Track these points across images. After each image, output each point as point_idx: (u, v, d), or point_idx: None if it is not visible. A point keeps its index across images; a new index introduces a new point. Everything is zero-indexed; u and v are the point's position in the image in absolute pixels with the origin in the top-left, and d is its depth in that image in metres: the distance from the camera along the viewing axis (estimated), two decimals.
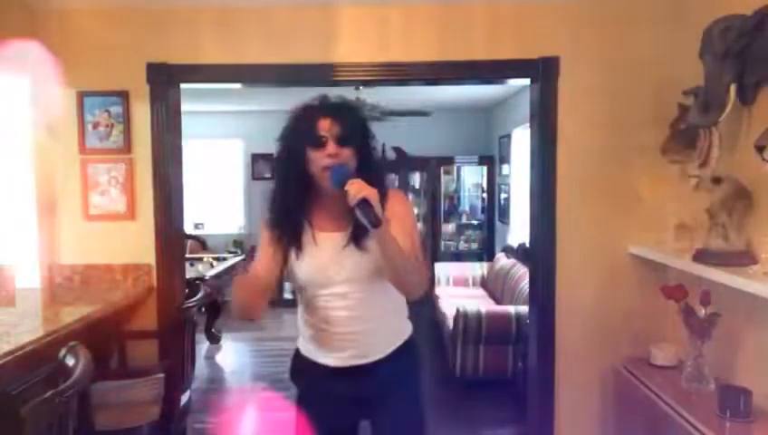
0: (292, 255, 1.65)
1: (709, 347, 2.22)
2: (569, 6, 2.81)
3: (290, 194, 1.64)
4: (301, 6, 2.84)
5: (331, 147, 1.55)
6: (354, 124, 1.61)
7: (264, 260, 1.66)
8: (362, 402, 1.72)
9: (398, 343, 1.74)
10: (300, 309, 1.76)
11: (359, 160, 1.59)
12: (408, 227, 1.64)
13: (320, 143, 1.56)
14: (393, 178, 7.11)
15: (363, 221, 1.45)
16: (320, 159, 1.55)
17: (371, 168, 1.61)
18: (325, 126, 1.57)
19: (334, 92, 1.69)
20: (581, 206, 2.87)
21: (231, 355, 5.47)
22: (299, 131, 1.61)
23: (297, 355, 1.81)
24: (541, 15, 2.82)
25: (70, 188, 2.97)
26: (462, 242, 7.46)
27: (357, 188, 1.45)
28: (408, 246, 1.55)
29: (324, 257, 1.63)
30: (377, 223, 1.43)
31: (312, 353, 1.74)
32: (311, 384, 1.79)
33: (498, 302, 5.13)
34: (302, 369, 1.78)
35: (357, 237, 1.60)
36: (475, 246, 7.42)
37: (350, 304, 1.64)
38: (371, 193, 1.45)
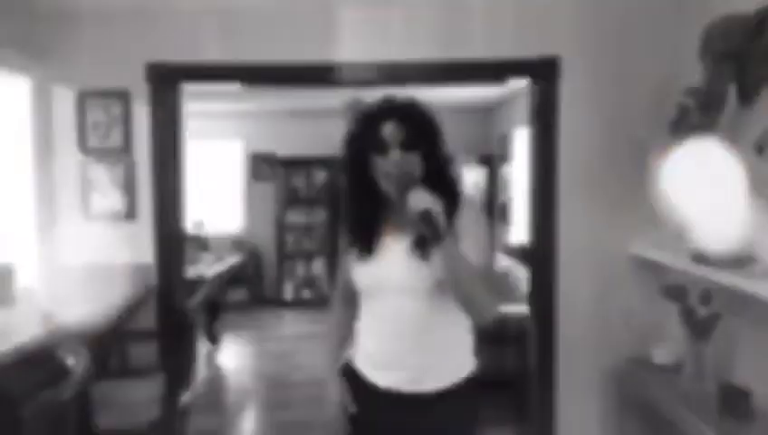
0: (356, 257, 1.58)
1: (709, 347, 2.22)
2: (569, 6, 2.81)
3: (359, 203, 1.57)
4: (301, 6, 2.84)
5: (395, 153, 1.46)
6: (421, 128, 1.51)
7: (342, 316, 1.73)
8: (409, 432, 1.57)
9: (460, 376, 1.58)
10: (359, 316, 1.67)
11: (426, 166, 1.49)
12: (479, 243, 1.51)
13: (383, 149, 1.47)
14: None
15: (424, 233, 1.37)
16: (384, 166, 1.47)
17: (440, 175, 1.52)
18: (389, 130, 1.47)
19: (402, 93, 1.58)
20: (581, 206, 2.87)
21: (231, 355, 5.46)
22: (362, 136, 1.52)
23: (348, 368, 1.70)
24: (541, 15, 2.82)
25: (70, 188, 2.97)
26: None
27: (418, 199, 1.36)
28: (476, 264, 1.43)
29: (384, 262, 1.54)
30: (437, 237, 1.35)
31: (364, 368, 1.63)
32: (361, 402, 1.65)
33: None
34: (355, 382, 1.66)
35: (420, 245, 1.48)
36: None
37: (406, 317, 1.52)
38: (434, 205, 1.35)
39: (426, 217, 1.34)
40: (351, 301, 1.69)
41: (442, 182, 1.50)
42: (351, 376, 1.66)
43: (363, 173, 1.52)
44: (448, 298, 1.48)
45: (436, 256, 1.43)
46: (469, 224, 1.51)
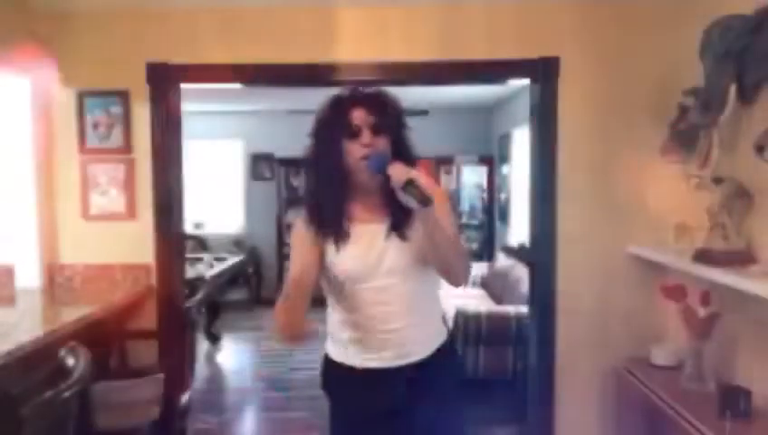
0: (331, 249, 1.59)
1: (709, 347, 2.22)
2: (569, 6, 2.81)
3: (327, 188, 1.58)
4: (301, 6, 2.84)
5: (367, 136, 1.53)
6: (389, 113, 1.59)
7: (301, 260, 1.58)
8: (402, 414, 1.62)
9: (440, 342, 1.68)
10: (332, 311, 1.69)
11: (393, 149, 1.56)
12: (448, 209, 1.62)
13: (354, 133, 1.53)
14: None
15: (410, 202, 1.42)
16: (356, 150, 1.53)
17: (407, 156, 1.58)
18: (359, 116, 1.54)
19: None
20: (581, 206, 2.87)
21: (231, 355, 5.47)
22: (332, 123, 1.57)
23: (329, 362, 1.72)
24: (541, 15, 2.82)
25: (70, 188, 2.97)
26: (462, 242, 7.45)
27: (400, 170, 1.43)
28: (450, 228, 1.53)
29: (365, 249, 1.57)
30: (427, 201, 1.40)
31: (350, 358, 1.65)
32: (347, 392, 1.68)
33: (498, 302, 5.13)
34: (337, 377, 1.69)
35: (397, 227, 1.57)
36: (474, 246, 7.42)
37: (391, 299, 1.58)
38: (416, 173, 1.43)
39: (412, 184, 1.41)
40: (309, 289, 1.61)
41: (409, 162, 1.55)
42: (334, 370, 1.69)
43: (334, 160, 1.55)
44: (426, 273, 1.59)
45: (413, 235, 1.54)
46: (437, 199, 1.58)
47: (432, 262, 1.55)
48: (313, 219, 1.61)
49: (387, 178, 1.46)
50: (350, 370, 1.65)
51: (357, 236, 1.58)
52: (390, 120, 1.58)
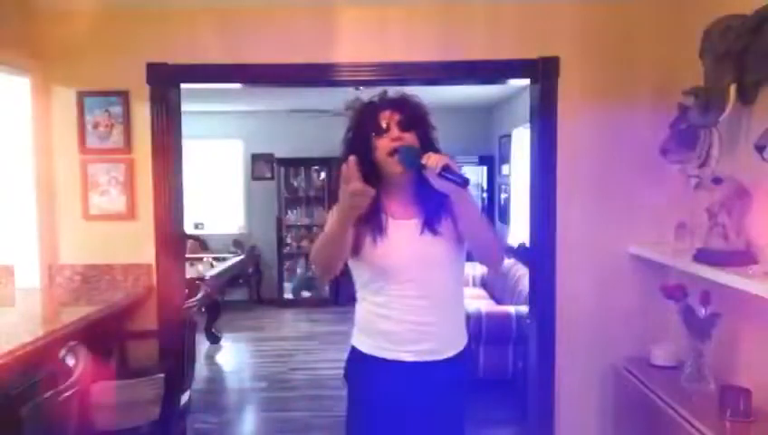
0: (367, 242, 1.65)
1: (709, 347, 2.22)
2: (569, 6, 2.81)
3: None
4: (301, 6, 2.84)
5: (395, 131, 1.62)
6: (414, 112, 1.68)
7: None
8: (424, 411, 1.68)
9: (464, 343, 1.77)
10: (365, 304, 1.74)
11: (421, 144, 1.64)
12: (477, 206, 1.71)
13: (383, 130, 1.63)
14: None
15: (447, 187, 1.49)
16: (385, 145, 1.62)
17: (434, 150, 1.63)
18: (387, 115, 1.65)
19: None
20: (581, 206, 2.87)
21: (231, 355, 5.47)
22: (362, 124, 1.68)
23: (357, 353, 1.76)
24: (541, 15, 2.82)
25: (70, 188, 2.97)
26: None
27: (435, 157, 1.50)
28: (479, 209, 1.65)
29: (400, 244, 1.65)
30: (466, 182, 1.49)
31: (383, 350, 1.69)
32: (374, 382, 1.72)
33: (498, 302, 5.13)
34: (367, 369, 1.73)
35: (430, 222, 1.64)
36: None
37: (426, 293, 1.65)
38: (446, 159, 1.50)
39: (447, 169, 1.48)
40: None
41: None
42: (363, 362, 1.73)
43: (366, 160, 1.60)
44: (458, 269, 1.71)
45: (444, 228, 1.63)
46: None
47: (472, 242, 1.65)
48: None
49: (418, 172, 1.54)
50: (383, 362, 1.68)
51: (393, 231, 1.66)
52: (417, 118, 1.68)
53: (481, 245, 1.67)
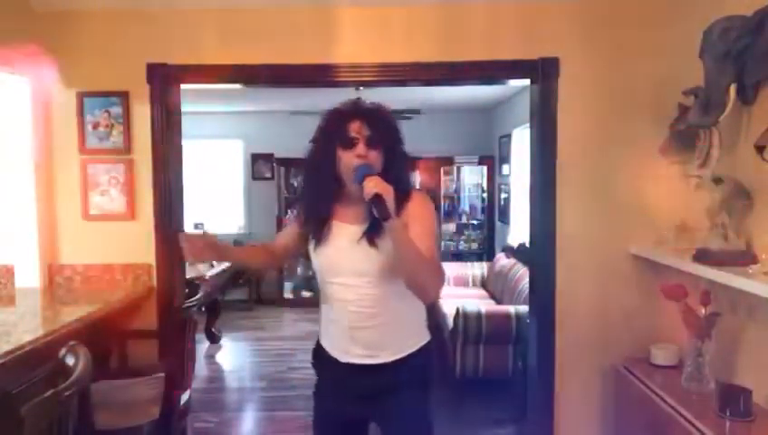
0: (312, 244, 1.74)
1: (709, 347, 2.22)
2: (569, 6, 2.81)
3: (318, 190, 1.73)
4: (301, 6, 2.84)
5: (361, 148, 1.63)
6: (385, 128, 1.68)
7: (284, 235, 1.97)
8: (370, 401, 1.74)
9: (411, 350, 1.75)
10: (321, 301, 1.82)
11: (385, 161, 1.66)
12: (426, 228, 1.65)
13: (350, 144, 1.64)
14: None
15: (376, 214, 1.51)
16: (349, 159, 1.63)
17: (396, 169, 1.66)
18: (356, 128, 1.64)
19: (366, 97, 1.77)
20: (581, 206, 2.87)
21: (231, 355, 5.47)
22: (331, 132, 1.68)
23: (318, 344, 1.86)
24: (541, 15, 2.82)
25: (70, 188, 2.97)
26: (462, 242, 7.45)
27: (373, 184, 1.50)
28: (423, 248, 1.56)
29: (336, 246, 1.70)
30: (386, 216, 1.48)
31: (328, 346, 1.80)
32: (325, 375, 1.85)
33: (498, 302, 5.13)
34: (320, 359, 1.84)
35: (370, 233, 1.64)
36: (475, 245, 7.42)
37: (359, 299, 1.68)
38: (386, 190, 1.50)
39: (378, 199, 1.49)
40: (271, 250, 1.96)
41: (396, 176, 1.61)
42: (319, 352, 1.84)
43: (328, 165, 1.67)
44: (396, 284, 1.63)
45: (385, 243, 1.59)
46: (417, 211, 1.67)
47: (398, 273, 1.60)
48: (301, 216, 1.82)
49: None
50: (329, 356, 1.78)
51: (334, 234, 1.71)
52: (386, 136, 1.67)
53: (405, 279, 1.58)
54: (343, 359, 1.74)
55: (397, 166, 1.68)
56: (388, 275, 1.64)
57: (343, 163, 1.64)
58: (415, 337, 1.79)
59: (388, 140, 1.67)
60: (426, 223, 1.66)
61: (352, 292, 1.68)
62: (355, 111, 1.68)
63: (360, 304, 1.68)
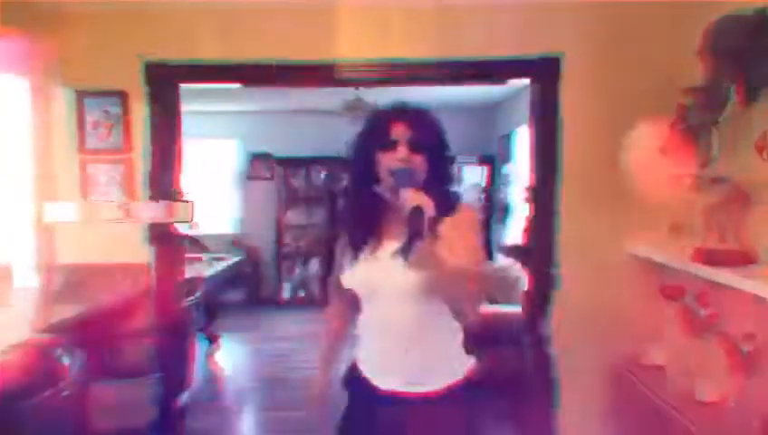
0: (350, 261, 1.61)
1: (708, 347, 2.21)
2: (569, 6, 2.80)
3: (361, 199, 1.59)
4: (300, 6, 2.83)
5: (402, 150, 1.50)
6: (428, 131, 1.56)
7: (339, 297, 1.73)
8: None
9: (456, 377, 1.60)
10: (360, 320, 1.68)
11: (429, 171, 1.52)
12: (467, 243, 1.46)
13: (390, 146, 1.51)
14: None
15: (409, 229, 1.37)
16: (389, 162, 1.50)
17: (441, 179, 1.55)
18: (398, 130, 1.52)
19: (411, 99, 1.61)
20: (581, 206, 2.86)
21: (229, 355, 5.46)
22: (371, 134, 1.57)
23: (353, 365, 1.69)
24: (541, 15, 2.81)
25: (69, 188, 2.96)
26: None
27: (412, 197, 1.37)
28: (460, 263, 1.41)
29: (376, 265, 1.56)
30: (420, 235, 1.34)
31: (366, 371, 1.64)
32: (358, 403, 1.67)
33: (497, 302, 5.12)
34: (353, 382, 1.67)
35: (407, 250, 1.42)
36: None
37: (396, 320, 1.54)
38: (426, 203, 1.35)
39: (416, 213, 1.35)
40: (346, 297, 1.69)
41: (441, 186, 1.52)
42: (355, 377, 1.66)
43: (369, 172, 1.54)
44: (436, 304, 1.50)
45: (421, 260, 1.41)
46: (461, 226, 1.48)
47: (433, 293, 1.48)
48: (349, 234, 1.64)
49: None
50: (367, 380, 1.62)
51: (373, 250, 1.57)
52: (430, 140, 1.54)
53: (441, 300, 1.49)
54: (383, 386, 1.57)
55: (441, 176, 1.55)
56: (426, 291, 1.49)
57: (382, 167, 1.51)
58: (456, 364, 1.62)
59: (433, 145, 1.54)
60: (469, 241, 1.48)
61: (388, 314, 1.54)
62: (398, 111, 1.56)
63: (398, 325, 1.54)
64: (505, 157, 6.62)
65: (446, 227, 1.42)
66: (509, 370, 4.02)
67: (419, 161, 1.51)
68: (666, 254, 2.53)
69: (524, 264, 4.39)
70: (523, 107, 3.57)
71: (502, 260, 5.61)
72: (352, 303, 1.67)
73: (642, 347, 2.69)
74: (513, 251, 5.44)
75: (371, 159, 1.53)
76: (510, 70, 2.91)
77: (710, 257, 2.13)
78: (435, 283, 1.44)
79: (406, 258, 1.41)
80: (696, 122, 2.25)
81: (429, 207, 1.35)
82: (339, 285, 1.67)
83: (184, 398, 2.81)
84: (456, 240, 1.42)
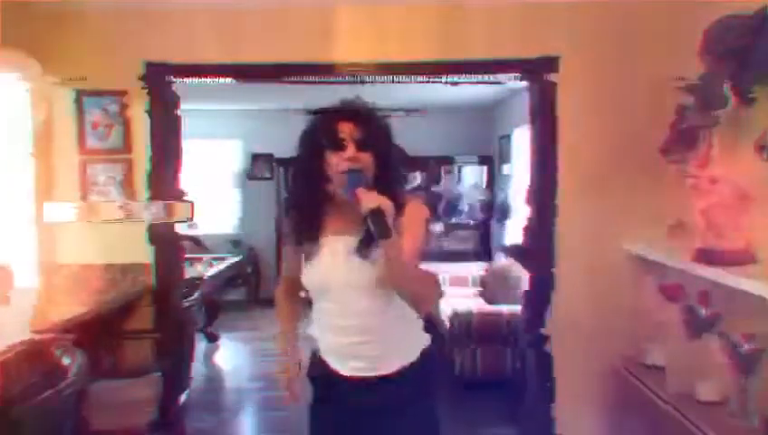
0: (303, 257, 1.64)
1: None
2: (569, 6, 2.80)
3: (307, 197, 1.61)
4: (300, 6, 2.83)
5: (351, 150, 1.51)
6: (376, 129, 1.57)
7: (290, 262, 1.76)
8: (373, 413, 1.63)
9: (411, 359, 1.65)
10: (314, 312, 1.72)
11: (378, 167, 1.55)
12: (416, 235, 1.56)
13: (340, 146, 1.52)
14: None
15: (373, 231, 1.41)
16: (338, 163, 1.51)
17: (390, 176, 1.57)
18: (346, 129, 1.53)
19: (358, 96, 1.64)
20: (581, 205, 2.86)
21: (229, 355, 5.46)
22: (319, 133, 1.56)
23: (314, 355, 1.74)
24: (541, 15, 2.81)
25: (69, 187, 2.96)
26: (461, 242, 7.45)
27: (370, 197, 1.41)
28: (415, 261, 1.51)
29: (328, 261, 1.59)
30: (386, 235, 1.39)
31: (326, 358, 1.68)
32: (324, 387, 1.71)
33: (498, 302, 5.12)
34: (318, 369, 1.72)
35: (363, 245, 1.52)
36: (474, 245, 7.41)
37: (352, 313, 1.58)
38: (385, 204, 1.40)
39: (376, 214, 1.38)
40: (296, 291, 1.81)
41: (389, 183, 1.54)
42: (318, 365, 1.71)
43: (316, 170, 1.56)
44: (392, 295, 1.55)
45: (378, 255, 1.49)
46: (411, 221, 1.56)
47: (391, 287, 1.53)
48: (292, 230, 1.67)
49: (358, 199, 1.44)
50: (328, 367, 1.67)
51: (326, 247, 1.60)
52: (377, 137, 1.56)
53: (399, 294, 1.55)
54: (341, 371, 1.63)
55: (390, 172, 1.58)
56: (382, 287, 1.54)
57: (332, 167, 1.52)
58: (413, 346, 1.68)
59: (380, 143, 1.57)
60: (418, 234, 1.57)
61: (344, 307, 1.58)
62: (344, 110, 1.57)
63: (352, 319, 1.58)
64: (505, 157, 6.62)
65: (402, 224, 1.51)
66: (508, 370, 4.02)
67: (368, 159, 1.53)
68: (665, 253, 2.53)
69: (524, 264, 4.39)
70: (523, 107, 3.57)
71: (502, 260, 5.61)
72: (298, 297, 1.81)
73: (642, 347, 2.69)
74: (513, 251, 5.44)
75: (320, 158, 1.54)
76: (509, 70, 2.91)
77: (710, 257, 2.13)
78: (393, 278, 1.50)
79: (365, 257, 1.51)
80: (696, 122, 2.25)
81: (389, 207, 1.40)
82: (289, 281, 1.80)
83: (184, 398, 2.81)
84: (409, 234, 1.52)
